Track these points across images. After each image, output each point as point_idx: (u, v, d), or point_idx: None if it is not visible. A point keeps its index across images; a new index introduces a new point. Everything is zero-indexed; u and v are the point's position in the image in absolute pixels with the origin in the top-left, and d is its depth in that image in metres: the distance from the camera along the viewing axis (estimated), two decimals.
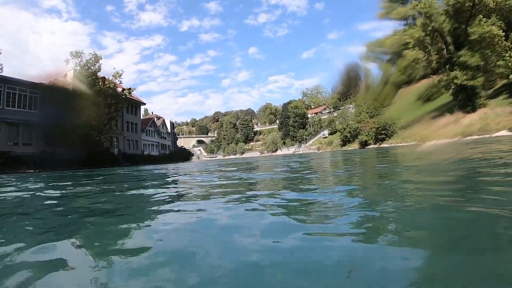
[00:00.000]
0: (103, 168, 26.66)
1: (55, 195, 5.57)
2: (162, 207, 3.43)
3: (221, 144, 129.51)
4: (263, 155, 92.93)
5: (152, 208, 3.48)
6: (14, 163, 25.56)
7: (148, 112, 73.50)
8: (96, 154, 32.96)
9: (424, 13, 25.03)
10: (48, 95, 30.73)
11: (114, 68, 35.74)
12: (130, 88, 45.41)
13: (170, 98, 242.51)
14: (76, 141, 32.67)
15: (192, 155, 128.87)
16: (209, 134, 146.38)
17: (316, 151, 73.85)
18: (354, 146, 65.78)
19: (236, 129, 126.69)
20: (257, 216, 2.59)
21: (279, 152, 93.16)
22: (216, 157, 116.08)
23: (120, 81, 36.08)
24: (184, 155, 71.73)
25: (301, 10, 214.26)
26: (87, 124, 31.23)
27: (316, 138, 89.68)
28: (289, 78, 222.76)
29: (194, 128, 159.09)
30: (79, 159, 31.38)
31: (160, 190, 5.32)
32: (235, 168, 12.23)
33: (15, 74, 32.89)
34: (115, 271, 1.49)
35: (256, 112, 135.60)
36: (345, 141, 71.19)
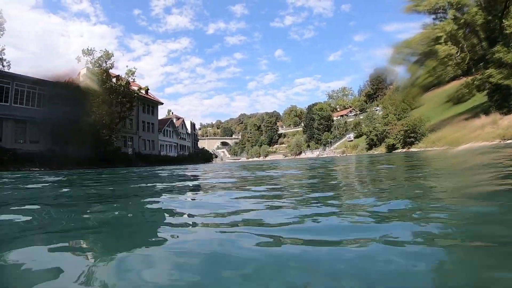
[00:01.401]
0: (114, 168, 25.66)
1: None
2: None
3: (245, 146, 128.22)
4: (286, 158, 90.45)
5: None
6: (20, 161, 25.01)
7: (173, 113, 73.17)
8: (107, 153, 32.24)
9: (455, 4, 22.39)
10: (56, 93, 30.32)
11: (127, 66, 35.07)
12: (142, 87, 45.00)
13: (197, 99, 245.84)
14: (85, 140, 32.11)
15: (216, 157, 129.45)
16: (233, 136, 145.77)
17: (340, 154, 70.51)
18: (381, 150, 61.89)
19: (260, 131, 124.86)
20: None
21: (303, 155, 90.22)
22: (239, 159, 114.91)
23: (134, 79, 35.23)
24: (205, 157, 70.85)
25: (327, 12, 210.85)
26: (97, 123, 30.52)
27: (341, 141, 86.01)
28: (315, 81, 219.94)
29: (219, 130, 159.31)
30: (88, 158, 30.74)
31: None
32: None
33: (42, 75, 33.39)
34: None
35: (281, 115, 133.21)
36: (371, 145, 67.46)
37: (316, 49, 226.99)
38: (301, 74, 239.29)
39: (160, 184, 6.55)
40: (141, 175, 11.09)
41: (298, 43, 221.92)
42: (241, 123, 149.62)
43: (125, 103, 33.45)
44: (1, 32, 25.27)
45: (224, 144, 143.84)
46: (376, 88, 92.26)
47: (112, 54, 31.93)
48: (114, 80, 33.34)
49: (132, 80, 34.94)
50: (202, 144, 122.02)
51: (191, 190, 5.29)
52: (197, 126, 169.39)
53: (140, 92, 37.02)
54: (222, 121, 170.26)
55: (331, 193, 3.87)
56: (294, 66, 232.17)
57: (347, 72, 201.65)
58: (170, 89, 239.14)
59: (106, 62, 31.57)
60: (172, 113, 65.51)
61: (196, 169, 13.52)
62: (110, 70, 34.81)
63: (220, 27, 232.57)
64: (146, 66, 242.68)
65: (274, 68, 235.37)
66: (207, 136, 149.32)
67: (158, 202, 3.69)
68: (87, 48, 31.01)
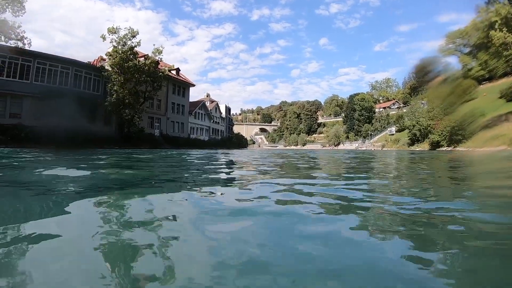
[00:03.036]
0: (135, 149, 25.12)
1: None
2: None
3: (283, 134, 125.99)
4: (324, 148, 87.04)
5: None
6: (37, 139, 25.08)
7: (208, 95, 72.91)
8: (130, 134, 31.92)
9: None
10: (79, 71, 30.36)
11: (154, 45, 33.96)
12: (173, 68, 44.16)
13: (239, 85, 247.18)
14: (107, 119, 32.00)
15: (253, 143, 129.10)
16: (272, 123, 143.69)
17: (380, 148, 65.66)
18: (423, 146, 56.28)
19: (299, 119, 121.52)
20: None
21: (341, 147, 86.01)
22: (276, 146, 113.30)
23: (161, 58, 34.32)
24: (240, 142, 69.75)
25: (374, 0, 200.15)
26: (120, 102, 30.10)
27: (381, 134, 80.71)
28: (360, 71, 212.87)
29: (259, 116, 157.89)
30: (110, 137, 30.59)
31: None
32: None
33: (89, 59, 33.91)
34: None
35: (323, 104, 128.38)
36: (413, 140, 61.99)
37: (362, 38, 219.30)
38: (345, 64, 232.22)
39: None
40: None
41: (344, 31, 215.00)
42: (281, 110, 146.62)
43: (150, 83, 32.64)
44: (23, 11, 25.21)
45: (262, 130, 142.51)
46: (421, 80, 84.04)
47: (137, 32, 31.04)
48: (142, 59, 32.64)
49: (159, 59, 34.02)
50: (240, 129, 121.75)
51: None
52: (237, 112, 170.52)
53: (167, 71, 35.98)
54: (263, 107, 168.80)
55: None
56: (338, 55, 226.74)
57: (392, 63, 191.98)
58: (213, 74, 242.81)
59: (131, 39, 30.75)
60: (207, 96, 64.85)
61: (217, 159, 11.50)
62: (138, 49, 34.26)
63: (265, 14, 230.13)
64: (190, 51, 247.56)
65: (318, 56, 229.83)
66: (248, 121, 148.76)
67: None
68: (113, 27, 30.37)
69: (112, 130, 32.53)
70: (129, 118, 30.79)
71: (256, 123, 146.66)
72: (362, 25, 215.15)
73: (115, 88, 29.66)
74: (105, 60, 31.42)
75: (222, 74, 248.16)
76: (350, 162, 10.48)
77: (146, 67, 31.45)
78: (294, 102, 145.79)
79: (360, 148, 71.63)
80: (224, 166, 7.85)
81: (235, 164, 8.81)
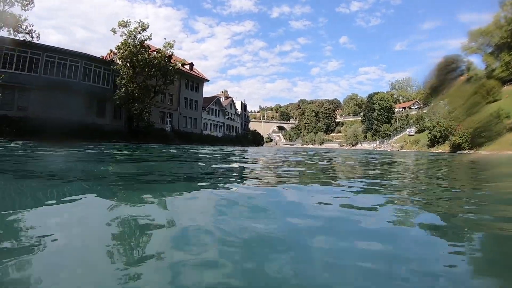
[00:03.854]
0: (143, 144, 24.58)
1: None
2: None
3: (300, 132, 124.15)
4: (341, 147, 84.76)
5: None
6: (44, 132, 24.81)
7: (225, 91, 72.02)
8: (139, 128, 31.40)
9: None
10: (88, 64, 29.99)
11: (165, 38, 33.32)
12: (186, 62, 43.45)
13: (259, 83, 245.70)
14: (115, 113, 31.58)
15: (270, 141, 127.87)
16: (290, 121, 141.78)
17: (398, 149, 62.93)
18: (444, 148, 53.30)
19: (318, 118, 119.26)
20: None
21: (358, 147, 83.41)
22: (294, 145, 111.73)
23: (172, 52, 33.59)
24: (255, 139, 68.62)
25: None
26: (129, 96, 29.56)
27: (401, 135, 77.84)
28: (380, 70, 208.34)
29: (277, 114, 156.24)
30: (119, 131, 30.16)
31: None
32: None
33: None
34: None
35: (342, 103, 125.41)
36: (433, 142, 59.21)
37: (382, 37, 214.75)
38: (365, 62, 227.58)
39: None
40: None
41: (364, 30, 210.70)
42: (300, 108, 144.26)
43: (160, 77, 31.92)
44: (32, 5, 25.00)
45: (280, 128, 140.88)
46: (443, 79, 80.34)
47: (148, 25, 30.36)
48: (154, 53, 32.02)
49: (171, 53, 33.31)
50: (258, 126, 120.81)
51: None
52: (256, 109, 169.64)
53: (178, 66, 35.22)
54: (282, 105, 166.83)
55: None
56: (359, 54, 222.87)
57: (413, 62, 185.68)
58: (233, 71, 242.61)
59: (141, 32, 30.09)
60: (222, 92, 63.99)
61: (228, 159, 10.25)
62: (152, 44, 33.68)
63: (285, 11, 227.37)
64: (210, 48, 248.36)
65: (338, 55, 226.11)
66: (266, 119, 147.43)
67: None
68: (123, 20, 29.83)
69: (122, 124, 32.13)
70: (138, 113, 30.21)
71: (274, 121, 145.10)
72: (383, 24, 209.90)
73: (124, 82, 29.17)
74: (116, 53, 30.88)
75: (241, 71, 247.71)
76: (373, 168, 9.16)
77: (156, 61, 30.76)
78: (313, 100, 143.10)
79: (378, 149, 69.11)
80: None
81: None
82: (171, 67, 32.39)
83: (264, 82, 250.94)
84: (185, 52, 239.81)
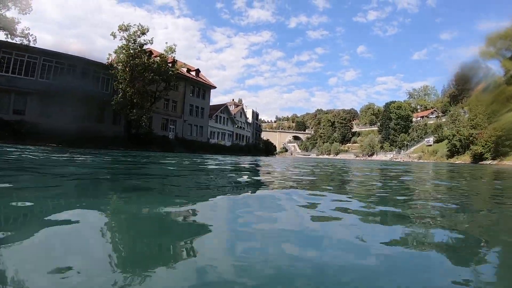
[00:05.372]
0: (141, 151, 23.74)
1: None
2: None
3: (316, 142, 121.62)
4: (357, 158, 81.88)
5: None
6: (37, 136, 24.19)
7: (238, 100, 71.13)
8: (138, 135, 30.57)
9: None
10: (86, 69, 29.57)
11: (166, 43, 32.62)
12: (192, 69, 42.73)
13: (276, 93, 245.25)
14: (110, 119, 30.90)
15: (286, 151, 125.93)
16: (306, 131, 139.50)
17: (416, 160, 59.71)
18: (464, 159, 49.91)
19: (334, 127, 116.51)
20: None
21: (375, 157, 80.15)
22: (309, 155, 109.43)
23: (174, 57, 32.89)
24: (267, 149, 66.90)
25: (412, 7, 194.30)
26: (127, 101, 28.84)
27: (418, 145, 74.35)
28: (398, 80, 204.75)
29: (293, 124, 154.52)
30: (118, 138, 29.39)
31: None
32: None
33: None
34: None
35: (359, 113, 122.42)
36: (453, 152, 55.80)
37: (400, 46, 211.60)
38: (383, 72, 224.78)
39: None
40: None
41: (382, 39, 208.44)
42: (316, 118, 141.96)
43: (160, 82, 31.11)
44: (29, 8, 24.93)
45: (296, 138, 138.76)
46: (462, 88, 76.57)
47: (147, 29, 29.76)
48: (157, 58, 31.33)
49: (172, 57, 32.59)
50: (273, 136, 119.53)
51: None
52: (273, 119, 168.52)
53: (180, 70, 34.44)
54: (298, 115, 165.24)
55: None
56: (376, 63, 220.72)
57: (432, 72, 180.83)
58: (250, 81, 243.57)
59: (140, 36, 29.48)
60: (233, 100, 63.15)
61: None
62: (151, 47, 33.09)
63: (302, 21, 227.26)
64: (228, 58, 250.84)
65: (356, 64, 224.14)
66: (282, 129, 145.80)
67: None
68: (123, 24, 29.34)
69: (121, 130, 31.39)
70: (136, 118, 29.33)
71: (290, 131, 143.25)
72: (401, 33, 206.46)
73: (121, 87, 28.45)
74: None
75: (259, 81, 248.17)
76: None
77: (155, 65, 30.00)
78: (330, 110, 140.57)
79: (394, 159, 65.95)
80: None
81: None
82: (171, 72, 31.51)
83: (282, 92, 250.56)
84: (203, 62, 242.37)
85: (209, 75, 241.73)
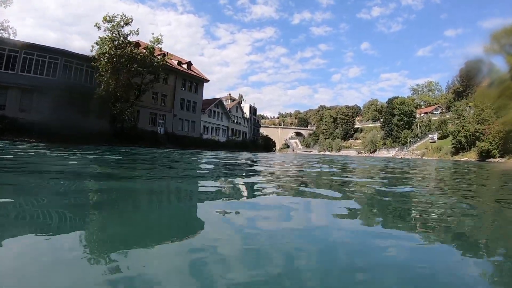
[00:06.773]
0: (124, 147, 22.95)
1: None
2: None
3: (318, 138, 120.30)
4: (359, 155, 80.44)
5: None
6: (17, 131, 23.37)
7: (234, 95, 70.03)
8: (123, 130, 29.57)
9: None
10: (67, 61, 28.60)
11: (153, 33, 31.35)
12: (184, 61, 41.63)
13: (280, 89, 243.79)
14: (92, 113, 29.90)
15: (287, 147, 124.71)
16: (308, 127, 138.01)
17: (419, 157, 58.10)
18: (470, 156, 48.00)
19: (336, 124, 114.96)
20: None
21: (376, 154, 78.60)
22: (311, 151, 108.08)
23: (160, 48, 31.83)
24: (265, 145, 65.70)
25: (417, 4, 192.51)
26: (109, 94, 27.83)
27: (422, 141, 72.59)
28: (402, 77, 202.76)
29: (296, 120, 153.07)
30: (103, 134, 28.42)
31: None
32: None
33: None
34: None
35: (362, 109, 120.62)
36: (458, 149, 53.84)
37: (404, 43, 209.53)
38: (387, 69, 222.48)
39: None
40: None
41: (386, 36, 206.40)
42: (318, 114, 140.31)
43: (144, 74, 30.03)
44: (10, 1, 24.22)
45: (298, 134, 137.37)
46: (467, 84, 74.32)
47: (132, 19, 28.66)
48: (142, 49, 30.28)
49: (158, 47, 31.51)
50: (274, 132, 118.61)
51: None
52: (276, 115, 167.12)
53: (165, 61, 33.25)
54: (301, 111, 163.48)
55: None
56: (380, 60, 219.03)
57: (436, 69, 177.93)
58: (254, 77, 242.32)
59: (123, 27, 28.40)
60: (229, 94, 61.94)
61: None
62: (140, 40, 32.05)
63: (306, 18, 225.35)
64: (231, 54, 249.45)
65: (359, 61, 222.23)
66: (285, 125, 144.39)
67: None
68: (107, 15, 28.25)
69: (106, 125, 30.44)
70: (118, 112, 28.34)
71: (292, 127, 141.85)
72: (405, 29, 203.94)
73: (103, 79, 27.46)
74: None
75: (262, 77, 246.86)
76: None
77: (139, 57, 28.95)
78: (333, 106, 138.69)
79: (397, 156, 64.41)
80: None
81: None
82: (155, 63, 30.42)
83: (286, 89, 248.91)
84: (206, 58, 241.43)
85: (212, 71, 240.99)
